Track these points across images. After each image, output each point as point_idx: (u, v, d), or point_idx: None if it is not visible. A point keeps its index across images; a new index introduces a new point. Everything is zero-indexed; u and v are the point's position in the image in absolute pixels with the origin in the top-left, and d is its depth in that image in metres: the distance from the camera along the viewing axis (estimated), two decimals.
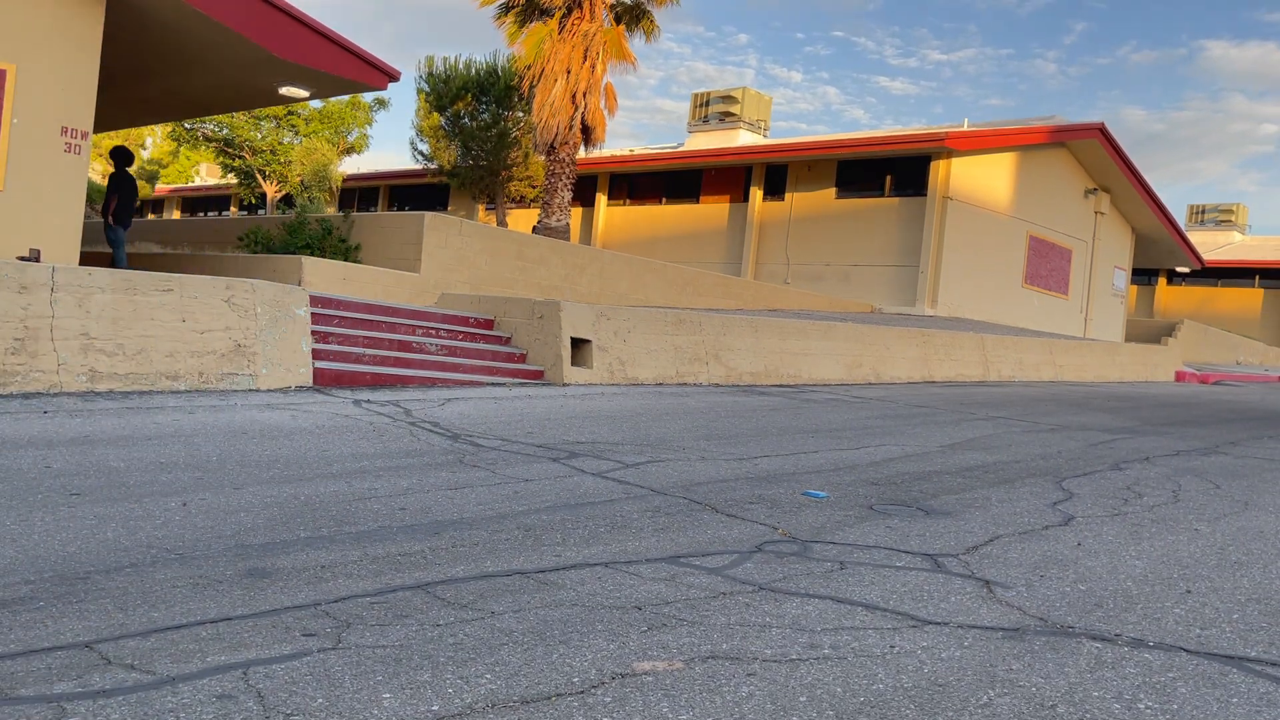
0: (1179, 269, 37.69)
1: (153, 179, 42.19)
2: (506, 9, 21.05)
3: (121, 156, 13.83)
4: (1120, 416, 11.60)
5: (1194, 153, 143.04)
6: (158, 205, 45.61)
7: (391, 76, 13.12)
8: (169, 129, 33.84)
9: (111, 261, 13.07)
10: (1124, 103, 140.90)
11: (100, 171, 40.28)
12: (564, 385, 10.41)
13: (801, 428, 8.52)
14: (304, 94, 14.25)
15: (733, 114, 31.72)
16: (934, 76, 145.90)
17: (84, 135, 10.70)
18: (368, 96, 31.56)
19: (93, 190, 29.22)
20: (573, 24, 19.94)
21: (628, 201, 30.07)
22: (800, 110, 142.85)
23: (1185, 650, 3.28)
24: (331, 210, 28.62)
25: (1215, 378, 23.78)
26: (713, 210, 27.89)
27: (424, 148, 29.60)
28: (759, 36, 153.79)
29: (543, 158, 22.41)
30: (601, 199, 30.24)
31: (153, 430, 6.19)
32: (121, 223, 13.49)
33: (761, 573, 3.92)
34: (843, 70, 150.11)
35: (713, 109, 32.35)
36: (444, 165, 28.71)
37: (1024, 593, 3.85)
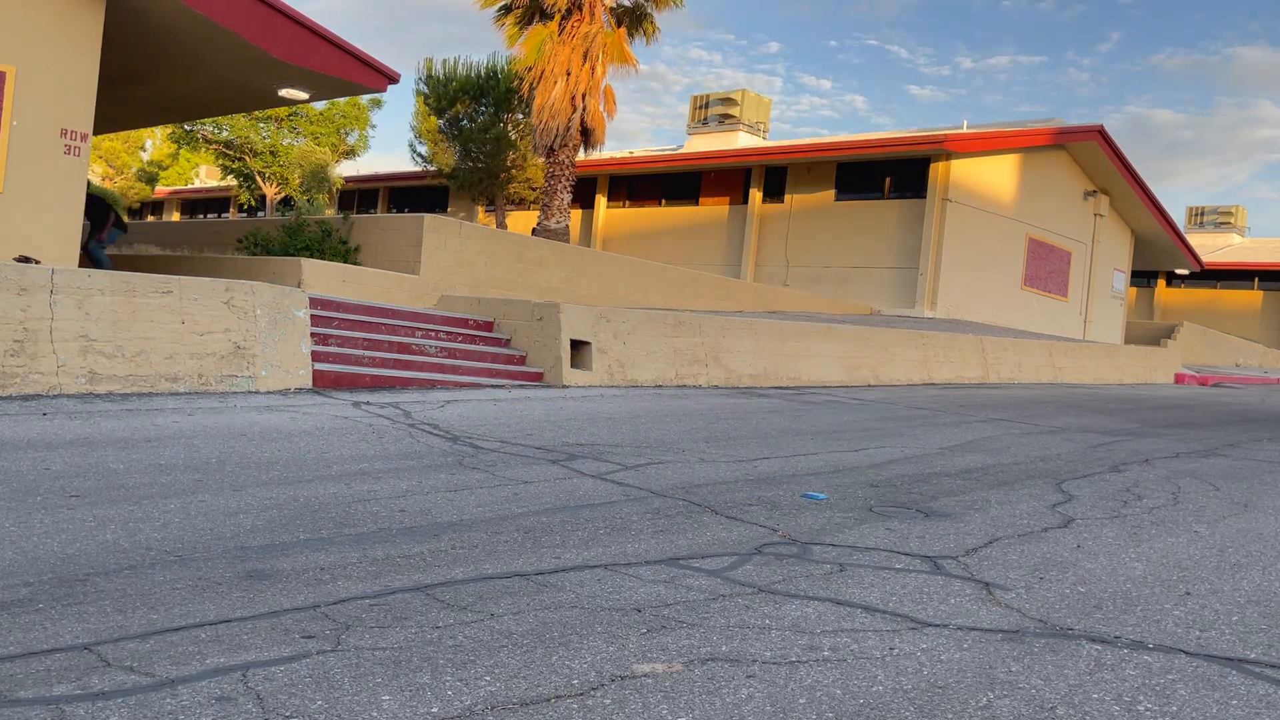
0: (1178, 271, 37.71)
1: (152, 181, 42.18)
2: (507, 10, 21.07)
3: None
4: (1119, 418, 11.60)
5: (1220, 159, 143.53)
6: (157, 207, 45.61)
7: (390, 78, 13.12)
8: (169, 130, 33.84)
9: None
10: (1154, 106, 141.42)
11: (100, 174, 40.28)
12: (564, 387, 10.41)
13: (801, 430, 8.52)
14: (303, 96, 14.25)
15: (732, 116, 31.74)
16: (965, 84, 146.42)
17: (83, 137, 10.70)
18: (365, 98, 31.56)
19: (92, 192, 29.20)
20: (573, 26, 19.95)
21: (627, 203, 30.08)
22: (824, 117, 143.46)
23: (1185, 652, 3.28)
24: (331, 212, 28.63)
25: (1214, 380, 23.79)
26: (712, 212, 27.91)
27: (423, 150, 29.60)
28: (790, 44, 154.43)
29: (542, 160, 22.43)
30: (601, 201, 30.25)
31: (152, 432, 6.19)
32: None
33: (761, 575, 3.92)
34: (873, 78, 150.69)
35: (712, 111, 32.38)
36: (443, 167, 28.72)
37: (1023, 595, 3.85)
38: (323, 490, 4.93)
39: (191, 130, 30.78)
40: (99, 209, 14.19)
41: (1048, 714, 2.71)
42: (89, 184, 14.22)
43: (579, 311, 10.96)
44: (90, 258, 13.83)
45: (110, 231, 14.26)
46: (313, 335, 9.21)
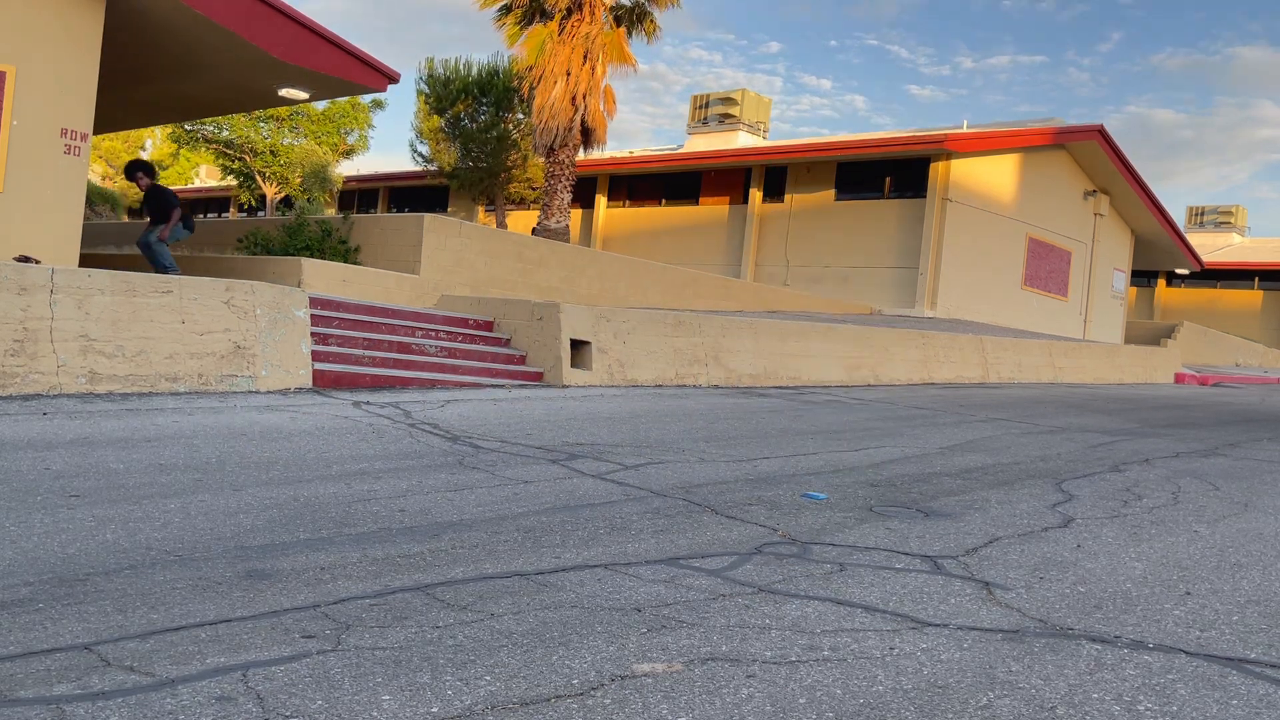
0: (1178, 271, 37.71)
1: None
2: (507, 10, 21.08)
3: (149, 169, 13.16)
4: (1119, 418, 11.60)
5: (1220, 159, 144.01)
6: None
7: (391, 78, 13.13)
8: (169, 130, 33.82)
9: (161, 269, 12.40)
10: (1154, 106, 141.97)
11: (100, 173, 40.24)
12: (563, 387, 10.41)
13: (801, 429, 8.52)
14: (304, 95, 14.26)
15: (732, 115, 31.74)
16: (965, 84, 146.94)
17: (84, 137, 10.70)
18: (365, 98, 31.56)
19: (92, 192, 29.19)
20: (573, 26, 19.96)
21: (627, 203, 30.08)
22: (824, 117, 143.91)
23: (1185, 652, 3.28)
24: (331, 212, 28.62)
25: (1214, 379, 23.79)
26: (712, 212, 27.91)
27: (424, 149, 29.62)
28: (790, 44, 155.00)
29: (542, 159, 22.43)
30: (601, 200, 30.25)
31: (152, 432, 6.19)
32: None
33: (761, 574, 3.92)
34: (874, 78, 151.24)
35: (712, 110, 32.38)
36: (444, 167, 28.72)
37: (1023, 594, 3.85)
38: (323, 490, 4.93)
39: (192, 130, 30.77)
40: (162, 204, 12.72)
41: (1048, 714, 2.71)
42: (156, 176, 13.22)
43: (579, 311, 10.96)
44: (150, 254, 12.50)
45: (175, 229, 12.55)
46: (313, 335, 9.21)
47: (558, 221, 20.46)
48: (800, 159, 25.97)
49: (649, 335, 11.55)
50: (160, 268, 12.16)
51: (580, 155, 21.35)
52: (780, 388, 12.52)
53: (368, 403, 8.13)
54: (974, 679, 2.93)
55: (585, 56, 19.94)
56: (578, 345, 10.86)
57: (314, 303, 9.84)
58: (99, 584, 3.33)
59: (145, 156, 43.14)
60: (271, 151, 29.93)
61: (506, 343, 11.24)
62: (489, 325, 11.48)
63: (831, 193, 25.58)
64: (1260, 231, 53.33)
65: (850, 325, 15.24)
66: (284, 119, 30.05)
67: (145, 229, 12.75)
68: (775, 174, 26.73)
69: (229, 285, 8.42)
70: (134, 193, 40.79)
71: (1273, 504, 6.20)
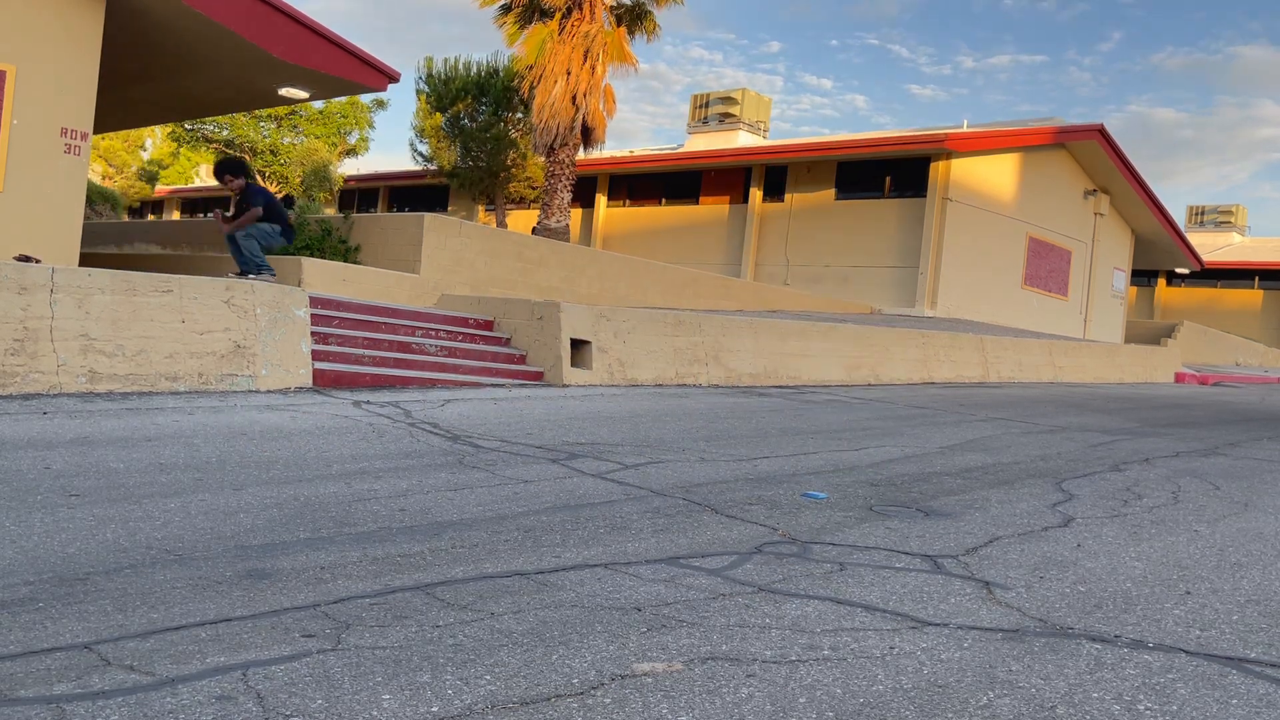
0: (1178, 270, 37.71)
1: (152, 180, 42.17)
2: (507, 9, 21.09)
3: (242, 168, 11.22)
4: (1119, 418, 11.60)
5: (1220, 158, 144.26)
6: (158, 206, 45.63)
7: (391, 77, 13.13)
8: (169, 130, 33.82)
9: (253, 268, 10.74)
10: (1154, 105, 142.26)
11: (100, 173, 40.23)
12: (564, 386, 10.41)
13: (801, 429, 8.52)
14: (304, 95, 14.26)
15: (732, 115, 31.74)
16: (966, 83, 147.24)
17: (84, 136, 10.70)
18: (366, 98, 31.57)
19: (92, 191, 29.19)
20: (573, 25, 19.96)
21: (627, 202, 30.07)
22: (825, 116, 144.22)
23: (1185, 651, 3.28)
24: (331, 211, 28.63)
25: (1215, 379, 23.79)
26: (712, 211, 27.90)
27: (424, 149, 29.62)
28: (791, 44, 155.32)
29: (542, 159, 22.45)
30: (601, 200, 30.24)
31: (152, 431, 6.19)
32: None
33: (761, 574, 3.92)
34: (874, 78, 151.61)
35: (712, 110, 32.38)
36: (444, 166, 28.73)
37: (1023, 594, 3.85)
38: (323, 489, 4.93)
39: (192, 129, 30.78)
40: (247, 204, 10.81)
41: (1048, 713, 2.71)
42: (250, 174, 11.36)
43: (579, 310, 10.96)
44: (234, 250, 10.78)
45: (269, 234, 10.78)
46: (313, 334, 9.21)
47: (558, 221, 20.47)
48: (800, 158, 25.97)
49: (649, 335, 11.55)
50: (248, 268, 10.67)
51: (580, 155, 21.36)
52: (780, 387, 12.51)
53: (368, 402, 8.13)
54: (974, 678, 2.93)
55: (585, 56, 19.95)
56: (578, 345, 10.85)
57: (314, 302, 9.84)
58: (99, 583, 3.33)
59: (145, 156, 43.07)
60: (272, 151, 29.93)
61: (506, 342, 11.24)
62: (489, 325, 11.47)
63: (831, 192, 25.58)
64: (1260, 231, 53.34)
65: (850, 325, 15.24)
66: (282, 118, 30.07)
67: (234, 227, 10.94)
68: (775, 173, 26.73)
69: (229, 284, 8.42)
70: (134, 191, 40.80)
71: (1273, 503, 6.20)
